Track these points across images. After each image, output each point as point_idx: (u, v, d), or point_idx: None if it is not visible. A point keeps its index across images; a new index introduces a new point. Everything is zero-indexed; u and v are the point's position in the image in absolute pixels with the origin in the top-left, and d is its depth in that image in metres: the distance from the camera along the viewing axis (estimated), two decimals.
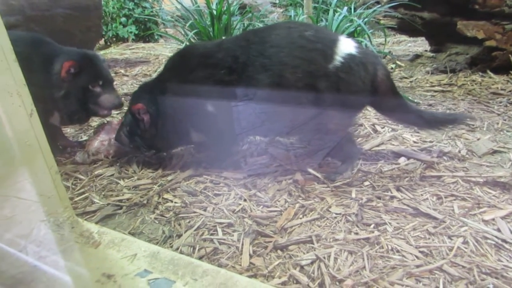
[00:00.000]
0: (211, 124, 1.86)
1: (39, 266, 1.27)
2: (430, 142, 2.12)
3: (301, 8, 4.36)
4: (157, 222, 1.57)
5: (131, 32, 6.11)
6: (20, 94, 1.28)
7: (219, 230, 1.47)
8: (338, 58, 1.67)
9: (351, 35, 3.60)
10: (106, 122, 2.33)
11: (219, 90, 1.76)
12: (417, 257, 1.27)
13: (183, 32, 3.53)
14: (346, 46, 1.70)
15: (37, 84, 1.79)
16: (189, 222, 1.54)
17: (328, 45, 1.69)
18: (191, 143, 2.07)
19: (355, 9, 4.16)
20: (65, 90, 2.01)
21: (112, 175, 1.98)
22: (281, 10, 6.59)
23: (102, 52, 5.61)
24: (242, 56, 1.73)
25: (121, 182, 1.90)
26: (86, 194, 1.82)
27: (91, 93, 2.09)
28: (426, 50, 4.17)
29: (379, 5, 3.93)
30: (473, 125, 2.32)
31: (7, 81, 1.26)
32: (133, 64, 4.64)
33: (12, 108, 1.29)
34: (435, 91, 3.08)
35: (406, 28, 3.82)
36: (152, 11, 6.25)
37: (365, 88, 1.72)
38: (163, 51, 5.23)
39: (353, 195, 1.64)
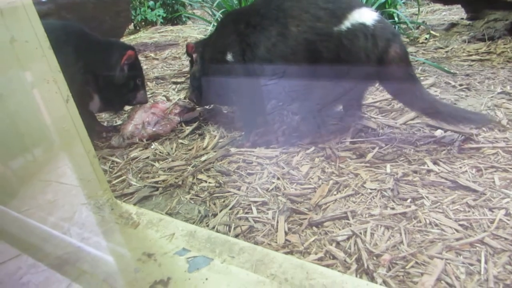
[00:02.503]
0: (232, 77, 1.98)
1: (82, 247, 1.32)
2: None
3: None
4: (192, 202, 1.60)
5: (159, 16, 6.14)
6: (56, 80, 1.31)
7: (254, 208, 1.48)
8: (346, 23, 1.65)
9: (382, 5, 3.49)
10: (139, 106, 2.37)
11: (240, 45, 1.88)
12: (456, 230, 1.25)
13: (210, 13, 3.51)
14: (362, 16, 1.67)
15: (82, 69, 2.05)
16: (223, 201, 1.56)
17: (341, 7, 1.68)
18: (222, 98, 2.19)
19: None
20: (118, 77, 2.21)
21: (147, 157, 2.03)
22: None
23: (131, 36, 5.67)
24: (262, 11, 1.84)
25: (156, 164, 1.94)
26: (123, 177, 1.87)
27: (135, 85, 2.30)
28: (462, 18, 3.98)
29: None
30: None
31: (43, 69, 1.30)
32: (163, 47, 4.67)
33: (49, 94, 1.33)
34: (473, 60, 2.95)
35: None
36: None
37: (369, 62, 1.66)
38: (191, 33, 5.24)
39: (388, 170, 1.61)
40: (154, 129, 2.21)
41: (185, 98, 2.44)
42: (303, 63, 1.75)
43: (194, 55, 2.18)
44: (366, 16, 1.67)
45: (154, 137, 2.21)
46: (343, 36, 1.65)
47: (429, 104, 1.76)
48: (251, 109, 2.07)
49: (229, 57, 1.92)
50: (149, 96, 2.93)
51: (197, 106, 2.42)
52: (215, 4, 3.20)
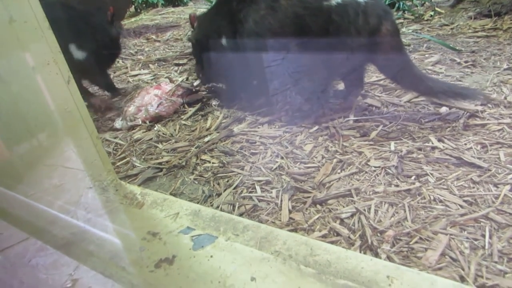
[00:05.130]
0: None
1: (89, 228, 1.33)
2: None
3: None
4: (196, 182, 1.60)
5: None
6: (56, 61, 1.30)
7: (258, 187, 1.48)
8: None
9: None
10: (141, 88, 2.36)
11: (232, 26, 1.92)
12: (461, 206, 1.24)
13: None
14: None
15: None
16: (227, 181, 1.56)
17: None
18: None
19: None
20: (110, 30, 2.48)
21: (151, 139, 2.02)
22: None
23: (133, 19, 5.61)
24: None
25: (160, 145, 1.94)
26: (127, 159, 1.87)
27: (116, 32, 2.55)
28: None
29: None
30: None
31: (43, 50, 1.28)
32: (164, 29, 4.62)
33: (50, 76, 1.32)
34: (479, 37, 2.90)
35: None
36: None
37: (360, 39, 1.65)
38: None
39: (392, 148, 1.60)
40: (156, 111, 2.20)
41: (187, 79, 2.42)
42: (292, 38, 1.74)
43: (195, 22, 2.25)
44: None
45: (157, 119, 2.21)
46: (332, 11, 1.64)
47: (420, 82, 1.75)
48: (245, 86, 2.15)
49: (223, 41, 1.97)
50: (151, 78, 2.92)
51: (199, 88, 2.41)
52: None
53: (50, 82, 1.34)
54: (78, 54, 2.27)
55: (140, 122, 2.19)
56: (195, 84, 2.41)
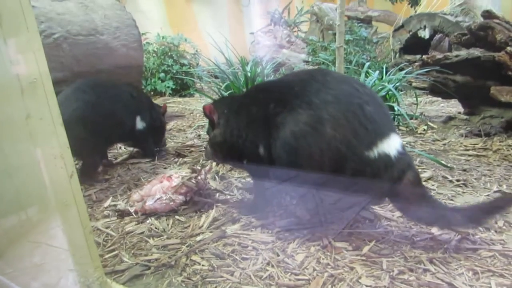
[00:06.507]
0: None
1: None
2: None
3: (333, 67, 4.47)
4: (184, 285, 1.57)
5: (168, 87, 6.34)
6: (63, 156, 1.34)
7: None
8: (375, 151, 1.65)
9: (383, 98, 3.64)
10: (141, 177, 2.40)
11: (259, 121, 1.89)
12: None
13: (217, 91, 3.66)
14: (390, 145, 1.68)
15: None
16: (215, 287, 1.53)
17: (376, 131, 1.67)
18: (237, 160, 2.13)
19: (387, 70, 4.22)
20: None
21: (142, 232, 2.01)
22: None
23: None
24: (296, 89, 1.80)
25: (151, 240, 1.92)
26: (116, 252, 1.84)
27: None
28: (459, 112, 4.14)
29: (410, 68, 3.98)
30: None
31: (53, 144, 1.34)
32: (169, 118, 4.76)
33: (55, 170, 1.35)
34: (470, 155, 3.02)
35: (438, 90, 3.81)
36: (189, 67, 6.49)
37: (382, 189, 1.73)
38: (197, 105, 5.39)
39: (384, 266, 1.59)
40: (153, 206, 2.19)
41: (190, 179, 2.40)
42: (324, 166, 1.71)
43: (215, 117, 2.08)
44: (392, 145, 1.68)
45: (151, 213, 2.19)
46: (370, 161, 1.66)
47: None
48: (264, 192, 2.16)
49: (261, 150, 1.89)
50: (150, 167, 2.97)
51: (201, 190, 2.40)
52: (223, 86, 3.34)
53: (53, 176, 1.37)
54: (140, 125, 3.05)
55: (133, 213, 2.18)
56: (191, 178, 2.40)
